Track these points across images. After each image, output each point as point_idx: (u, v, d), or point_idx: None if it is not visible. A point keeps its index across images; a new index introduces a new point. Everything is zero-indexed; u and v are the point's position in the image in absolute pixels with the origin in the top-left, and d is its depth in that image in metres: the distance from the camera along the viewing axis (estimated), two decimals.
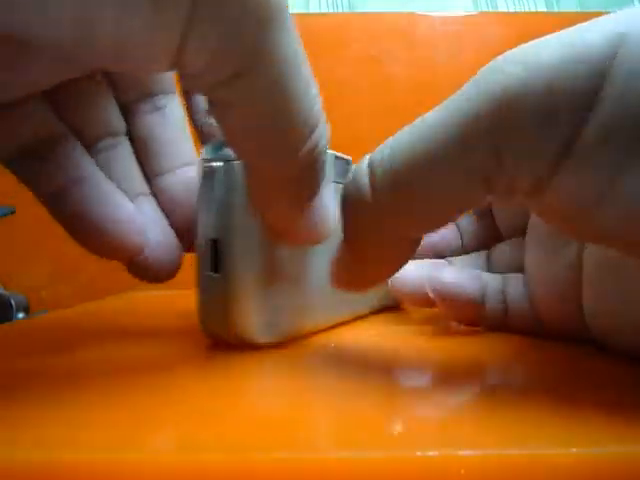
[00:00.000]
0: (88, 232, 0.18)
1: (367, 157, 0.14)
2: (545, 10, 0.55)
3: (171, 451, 0.10)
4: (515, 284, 0.22)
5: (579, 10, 0.55)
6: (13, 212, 0.39)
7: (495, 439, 0.11)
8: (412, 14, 0.49)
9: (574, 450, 0.10)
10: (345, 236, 0.15)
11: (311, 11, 0.56)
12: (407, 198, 0.13)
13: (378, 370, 0.17)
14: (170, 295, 0.39)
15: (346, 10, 0.57)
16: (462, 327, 0.23)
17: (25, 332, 0.25)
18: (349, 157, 0.20)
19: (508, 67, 0.11)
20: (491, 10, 0.56)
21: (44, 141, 0.17)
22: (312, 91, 0.13)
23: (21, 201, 0.41)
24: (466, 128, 0.12)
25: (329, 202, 0.16)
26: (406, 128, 0.13)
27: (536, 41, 0.12)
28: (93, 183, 0.18)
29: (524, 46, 0.12)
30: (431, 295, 0.21)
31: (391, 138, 0.14)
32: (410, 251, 0.15)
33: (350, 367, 0.17)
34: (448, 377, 0.16)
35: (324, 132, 0.14)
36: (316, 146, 0.14)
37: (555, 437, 0.11)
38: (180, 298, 0.37)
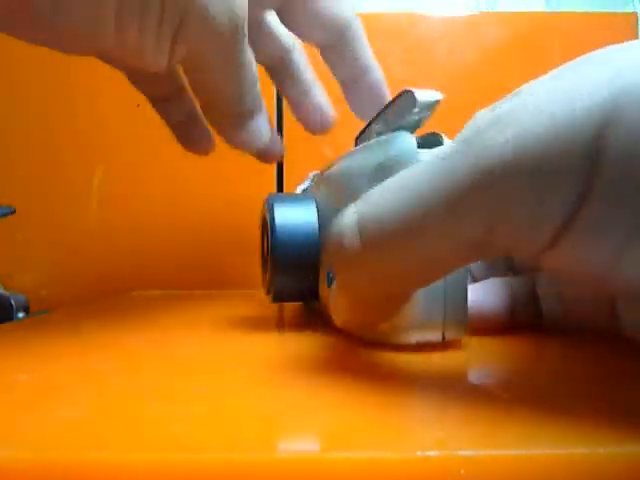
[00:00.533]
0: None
1: (354, 211, 0.14)
2: (545, 10, 0.55)
3: (172, 450, 0.10)
4: (546, 284, 0.21)
5: (579, 10, 0.55)
6: (13, 212, 0.39)
7: (495, 439, 0.11)
8: (412, 14, 0.49)
9: (574, 450, 0.10)
10: (338, 284, 0.15)
11: None
12: (396, 261, 0.13)
13: (378, 369, 0.17)
14: (170, 295, 0.39)
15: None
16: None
17: (25, 332, 0.25)
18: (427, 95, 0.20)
19: (499, 135, 0.10)
20: (491, 10, 0.56)
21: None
22: (253, 77, 0.22)
23: (21, 201, 0.41)
24: (456, 198, 0.11)
25: (261, 127, 0.25)
26: (392, 185, 0.13)
27: (525, 99, 0.11)
28: None
29: (513, 104, 0.11)
30: None
31: (378, 194, 0.13)
32: (405, 299, 0.15)
33: (349, 365, 0.17)
34: (448, 377, 0.16)
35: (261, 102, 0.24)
36: (251, 108, 0.23)
37: (555, 437, 0.11)
38: (180, 298, 0.37)
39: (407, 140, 0.18)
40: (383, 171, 0.16)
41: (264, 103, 0.25)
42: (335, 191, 0.21)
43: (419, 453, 0.10)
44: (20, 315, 0.38)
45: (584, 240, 0.10)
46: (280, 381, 0.16)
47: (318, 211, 0.22)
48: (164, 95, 0.27)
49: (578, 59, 0.11)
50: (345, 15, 0.25)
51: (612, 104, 0.09)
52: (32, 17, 0.17)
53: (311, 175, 0.28)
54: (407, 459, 0.10)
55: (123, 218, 0.46)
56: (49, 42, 0.19)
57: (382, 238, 0.13)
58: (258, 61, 0.25)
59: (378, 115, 0.20)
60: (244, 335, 0.24)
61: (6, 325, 0.28)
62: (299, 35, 0.27)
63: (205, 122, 0.28)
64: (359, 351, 0.19)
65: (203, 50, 0.20)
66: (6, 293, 0.40)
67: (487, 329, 0.20)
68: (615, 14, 0.51)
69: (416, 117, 0.19)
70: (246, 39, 0.21)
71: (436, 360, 0.18)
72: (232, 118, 0.24)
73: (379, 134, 0.20)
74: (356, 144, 0.22)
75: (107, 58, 0.23)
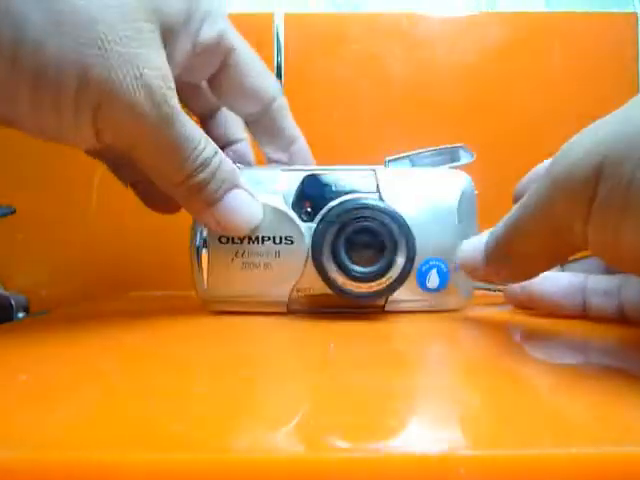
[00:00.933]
0: None
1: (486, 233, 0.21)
2: (545, 10, 0.55)
3: (172, 450, 0.10)
4: (633, 286, 0.23)
5: (579, 10, 0.55)
6: (13, 212, 0.39)
7: (495, 439, 0.11)
8: (412, 14, 0.49)
9: (574, 450, 0.10)
10: (487, 261, 0.21)
11: (311, 11, 0.56)
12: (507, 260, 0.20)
13: (377, 368, 0.17)
14: (169, 295, 0.39)
15: (346, 10, 0.57)
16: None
17: (25, 332, 0.25)
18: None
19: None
20: (491, 10, 0.56)
21: None
22: (192, 143, 0.21)
23: (21, 201, 0.41)
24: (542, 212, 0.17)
25: (235, 207, 0.24)
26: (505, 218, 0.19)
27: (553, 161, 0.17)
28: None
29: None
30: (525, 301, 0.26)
31: (501, 221, 0.20)
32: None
33: (348, 364, 0.17)
34: (447, 376, 0.16)
35: (210, 164, 0.22)
36: (196, 174, 0.22)
37: (555, 437, 0.11)
38: (180, 298, 0.37)
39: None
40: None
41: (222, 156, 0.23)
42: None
43: (419, 453, 0.10)
44: (20, 315, 0.38)
45: (600, 218, 0.15)
46: (280, 381, 0.16)
47: None
48: (113, 160, 0.27)
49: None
50: (270, 90, 0.27)
51: (600, 164, 0.15)
52: None
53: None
54: (407, 459, 0.10)
55: (123, 218, 0.46)
56: None
57: (498, 248, 0.20)
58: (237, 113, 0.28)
59: (423, 152, 0.28)
60: (244, 335, 0.24)
61: (6, 325, 0.28)
62: (226, 106, 0.28)
63: None
64: (364, 343, 0.19)
65: (128, 132, 0.20)
66: (6, 293, 0.40)
67: (551, 314, 0.25)
68: (615, 14, 0.51)
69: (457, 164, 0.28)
70: (175, 110, 0.20)
71: (436, 360, 0.18)
72: (182, 189, 0.22)
73: (415, 164, 0.28)
74: (386, 165, 0.28)
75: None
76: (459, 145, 0.28)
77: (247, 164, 0.30)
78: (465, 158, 0.28)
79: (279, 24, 0.49)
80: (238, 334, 0.24)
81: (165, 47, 0.21)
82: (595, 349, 0.20)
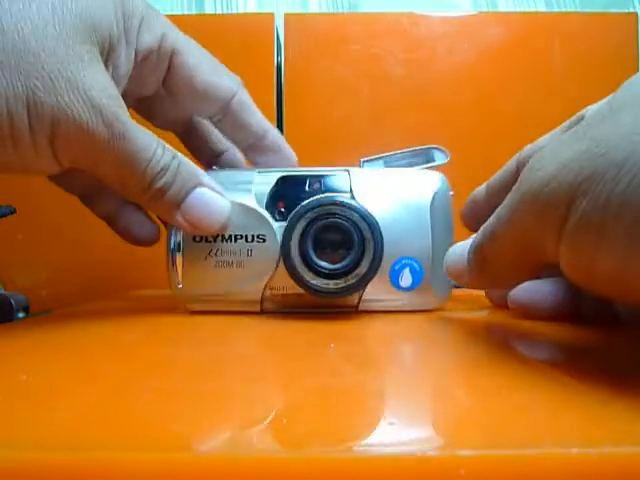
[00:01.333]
0: None
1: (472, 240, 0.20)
2: (545, 10, 0.55)
3: (172, 450, 0.10)
4: None
5: (579, 10, 0.55)
6: (13, 212, 0.39)
7: (495, 439, 0.11)
8: (412, 14, 0.49)
9: (574, 450, 0.10)
10: (468, 269, 0.20)
11: (311, 11, 0.56)
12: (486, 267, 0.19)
13: (377, 368, 0.17)
14: (170, 295, 0.39)
15: (346, 10, 0.57)
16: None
17: (25, 332, 0.25)
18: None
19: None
20: (491, 10, 0.56)
21: None
22: (148, 152, 0.22)
23: (21, 201, 0.41)
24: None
25: (200, 204, 0.24)
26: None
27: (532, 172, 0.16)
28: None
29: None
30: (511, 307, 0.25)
31: (482, 229, 0.19)
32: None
33: (348, 363, 0.17)
34: (447, 376, 0.16)
35: (169, 168, 0.23)
36: (157, 180, 0.23)
37: (555, 437, 0.11)
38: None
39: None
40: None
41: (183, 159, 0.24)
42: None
43: (419, 453, 0.10)
44: (20, 315, 0.38)
45: (573, 240, 0.14)
46: (281, 381, 0.16)
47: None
48: (81, 191, 0.28)
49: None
50: (223, 87, 0.27)
51: (577, 187, 0.14)
52: None
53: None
54: (407, 459, 0.10)
55: None
56: None
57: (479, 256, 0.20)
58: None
59: (398, 153, 0.28)
60: (244, 335, 0.24)
61: (6, 325, 0.28)
62: (186, 110, 0.28)
63: (140, 212, 0.28)
64: (360, 344, 0.19)
65: (84, 152, 0.21)
66: (6, 293, 0.40)
67: (543, 317, 0.24)
68: (615, 14, 0.51)
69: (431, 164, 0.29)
70: (126, 125, 0.21)
71: (435, 359, 0.18)
72: (146, 196, 0.23)
73: (389, 165, 0.28)
74: (361, 166, 0.28)
75: None
76: (434, 146, 0.29)
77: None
78: (440, 159, 0.28)
79: (279, 24, 0.49)
80: (238, 334, 0.24)
81: (107, 63, 0.22)
82: (593, 349, 0.20)
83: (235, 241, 0.26)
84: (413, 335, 0.23)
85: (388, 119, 0.47)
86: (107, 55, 0.22)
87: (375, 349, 0.21)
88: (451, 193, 0.28)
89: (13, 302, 0.38)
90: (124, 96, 0.23)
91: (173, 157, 0.23)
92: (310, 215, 0.25)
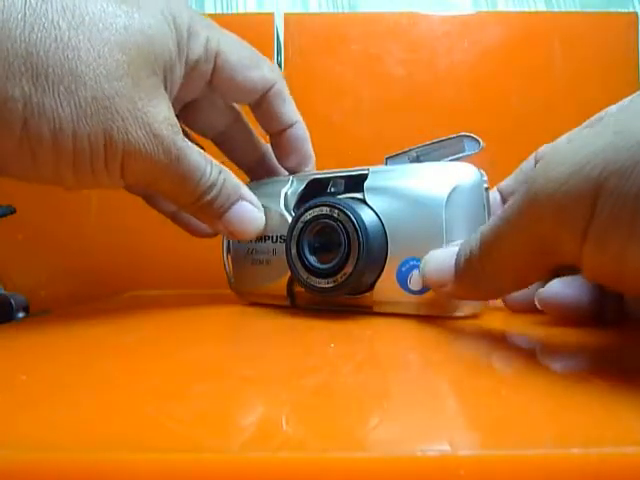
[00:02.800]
0: None
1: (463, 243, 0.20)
2: (545, 10, 0.55)
3: (172, 450, 0.10)
4: None
5: (579, 10, 0.55)
6: (13, 212, 0.39)
7: (495, 439, 0.11)
8: (412, 14, 0.49)
9: (574, 450, 0.10)
10: (457, 277, 0.20)
11: (311, 11, 0.56)
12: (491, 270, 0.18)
13: (376, 368, 0.17)
14: (169, 295, 0.39)
15: (346, 10, 0.57)
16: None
17: (25, 332, 0.25)
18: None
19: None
20: (491, 10, 0.56)
21: None
22: (199, 171, 0.25)
23: (21, 201, 0.41)
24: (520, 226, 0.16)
25: (240, 216, 0.27)
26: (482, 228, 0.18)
27: (550, 165, 0.15)
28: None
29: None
30: (539, 307, 0.23)
31: (476, 234, 0.18)
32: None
33: (347, 362, 0.17)
34: (447, 376, 0.16)
35: (216, 184, 0.26)
36: (205, 195, 0.26)
37: (555, 437, 0.11)
38: (179, 298, 0.37)
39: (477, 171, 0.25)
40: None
41: (229, 175, 0.27)
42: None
43: (419, 453, 0.10)
44: (20, 315, 0.38)
45: (600, 238, 0.14)
46: (281, 381, 0.16)
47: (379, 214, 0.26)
48: (142, 193, 0.31)
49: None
50: (266, 78, 0.29)
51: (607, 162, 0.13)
52: (14, 173, 0.23)
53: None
54: (407, 459, 0.10)
55: (123, 218, 0.46)
56: (22, 178, 0.24)
57: (481, 260, 0.18)
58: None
59: (423, 146, 0.27)
60: (244, 334, 0.24)
61: (6, 325, 0.28)
62: (230, 100, 0.31)
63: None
64: (358, 345, 0.19)
65: (146, 173, 0.24)
66: (6, 293, 0.40)
67: (570, 321, 0.23)
68: (615, 14, 0.51)
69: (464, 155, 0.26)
70: (181, 150, 0.24)
71: (436, 359, 0.18)
72: (194, 207, 0.26)
73: (413, 161, 0.27)
74: (386, 163, 0.28)
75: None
76: (464, 134, 0.27)
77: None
78: (470, 149, 0.26)
79: (279, 24, 0.49)
80: (238, 333, 0.24)
81: (167, 84, 0.24)
82: (593, 350, 0.20)
83: (265, 241, 0.29)
84: (413, 335, 0.23)
85: (388, 119, 0.47)
86: (166, 78, 0.24)
87: (375, 349, 0.21)
88: (485, 186, 0.25)
89: (13, 302, 0.38)
90: (173, 104, 0.25)
91: (220, 172, 0.26)
92: (307, 216, 0.26)
